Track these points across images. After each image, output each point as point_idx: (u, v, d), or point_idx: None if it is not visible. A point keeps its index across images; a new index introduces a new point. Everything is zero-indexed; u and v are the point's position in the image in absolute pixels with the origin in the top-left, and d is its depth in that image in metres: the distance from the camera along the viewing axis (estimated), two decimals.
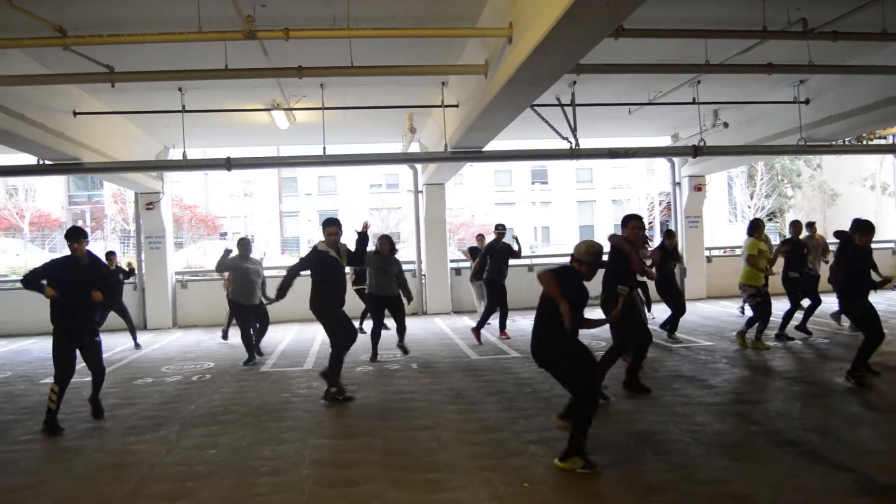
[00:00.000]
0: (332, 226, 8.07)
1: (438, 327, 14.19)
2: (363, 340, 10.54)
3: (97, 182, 44.55)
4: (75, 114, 11.53)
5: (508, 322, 12.25)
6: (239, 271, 10.74)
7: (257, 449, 6.18)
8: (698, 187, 18.12)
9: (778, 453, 5.57)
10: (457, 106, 11.71)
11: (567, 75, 9.01)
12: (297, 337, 13.33)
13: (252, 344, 10.72)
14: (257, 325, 11.18)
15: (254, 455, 6.00)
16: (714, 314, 14.43)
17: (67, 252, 7.19)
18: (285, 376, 9.46)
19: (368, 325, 10.94)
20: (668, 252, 11.07)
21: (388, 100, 12.64)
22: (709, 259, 18.57)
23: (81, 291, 7.02)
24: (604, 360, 7.37)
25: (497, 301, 11.87)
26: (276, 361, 10.70)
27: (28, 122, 10.00)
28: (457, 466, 5.47)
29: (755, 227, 10.31)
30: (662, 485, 4.96)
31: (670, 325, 11.12)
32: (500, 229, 12.40)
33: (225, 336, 13.00)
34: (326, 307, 7.97)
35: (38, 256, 31.67)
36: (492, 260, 12.12)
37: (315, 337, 12.60)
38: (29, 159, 12.25)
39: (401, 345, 10.59)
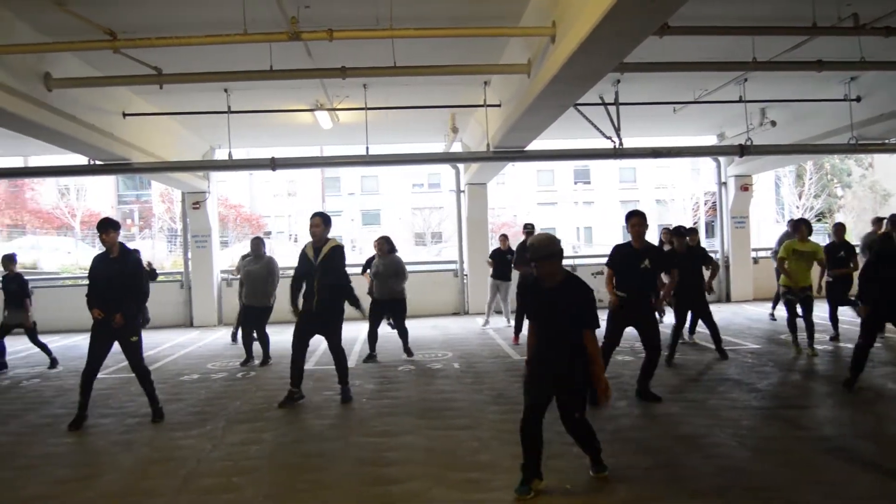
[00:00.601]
0: (314, 217, 7.93)
1: (480, 327, 14.17)
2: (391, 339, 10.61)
3: (145, 182, 45.50)
4: (124, 115, 11.77)
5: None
6: (245, 272, 10.81)
7: (300, 446, 6.25)
8: (745, 187, 17.83)
9: (827, 460, 5.44)
10: (499, 105, 11.68)
11: (611, 74, 8.92)
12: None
13: (251, 344, 10.79)
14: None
15: (297, 452, 6.07)
16: (761, 317, 14.15)
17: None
18: (328, 374, 9.51)
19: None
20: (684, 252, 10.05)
21: (431, 99, 12.67)
22: (755, 260, 18.23)
23: (111, 285, 6.99)
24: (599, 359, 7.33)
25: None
26: (319, 360, 10.77)
27: (79, 124, 10.25)
28: (499, 466, 5.46)
29: (795, 229, 9.99)
30: (709, 489, 4.88)
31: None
32: (529, 228, 12.32)
33: (234, 339, 12.99)
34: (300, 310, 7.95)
35: (89, 254, 32.42)
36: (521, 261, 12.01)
37: (357, 336, 12.66)
38: (80, 160, 12.55)
39: (406, 348, 10.67)
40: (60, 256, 32.30)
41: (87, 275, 7.29)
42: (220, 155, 16.08)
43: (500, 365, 9.82)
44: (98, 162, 12.16)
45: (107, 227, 7.04)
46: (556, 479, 5.13)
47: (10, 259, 11.00)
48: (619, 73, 10.02)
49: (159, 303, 13.13)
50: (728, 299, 17.54)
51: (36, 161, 17.37)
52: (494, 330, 13.57)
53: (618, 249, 7.56)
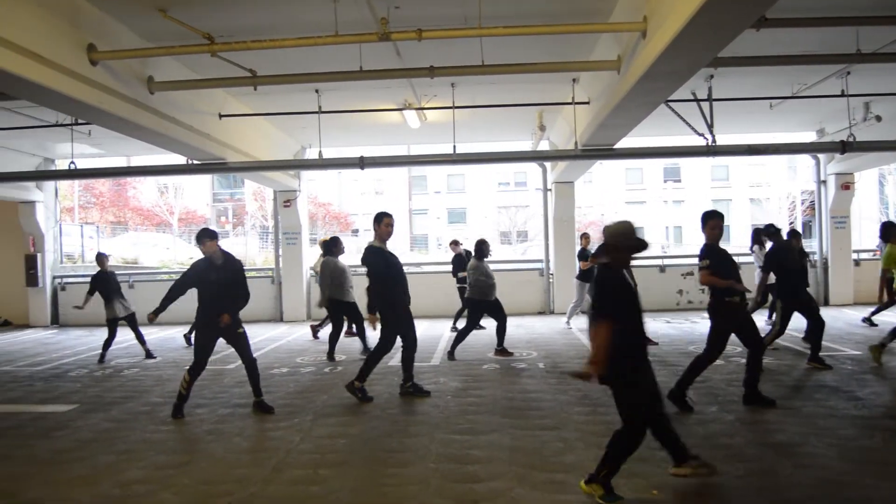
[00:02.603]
0: (389, 216, 7.99)
1: (564, 325, 14.02)
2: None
3: (239, 180, 47.01)
4: (220, 116, 12.17)
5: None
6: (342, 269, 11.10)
7: (385, 441, 6.32)
8: (846, 185, 17.03)
9: None
10: (588, 103, 11.54)
11: (704, 69, 8.69)
12: (424, 333, 13.48)
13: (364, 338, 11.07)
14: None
15: (382, 447, 6.15)
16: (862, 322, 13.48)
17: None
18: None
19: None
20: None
21: (518, 98, 12.61)
22: (857, 262, 17.41)
23: (220, 289, 7.36)
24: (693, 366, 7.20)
25: None
26: None
27: (179, 125, 10.65)
28: (583, 468, 5.38)
29: (888, 231, 9.43)
30: (803, 500, 4.69)
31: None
32: None
33: (316, 335, 13.39)
34: (400, 307, 8.00)
35: (186, 251, 33.75)
36: None
37: (442, 333, 12.74)
38: (179, 159, 13.06)
39: (500, 348, 10.66)
40: (159, 252, 33.70)
41: (186, 278, 7.61)
42: (311, 154, 16.44)
43: None
44: (196, 161, 12.62)
45: (205, 238, 7.41)
46: (642, 484, 5.02)
47: (104, 257, 11.81)
48: (712, 68, 9.76)
49: (251, 298, 13.54)
50: (826, 303, 16.81)
51: (137, 161, 18.20)
52: (580, 330, 13.40)
53: (715, 249, 7.12)
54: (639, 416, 4.70)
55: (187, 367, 7.49)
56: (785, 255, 9.26)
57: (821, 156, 17.24)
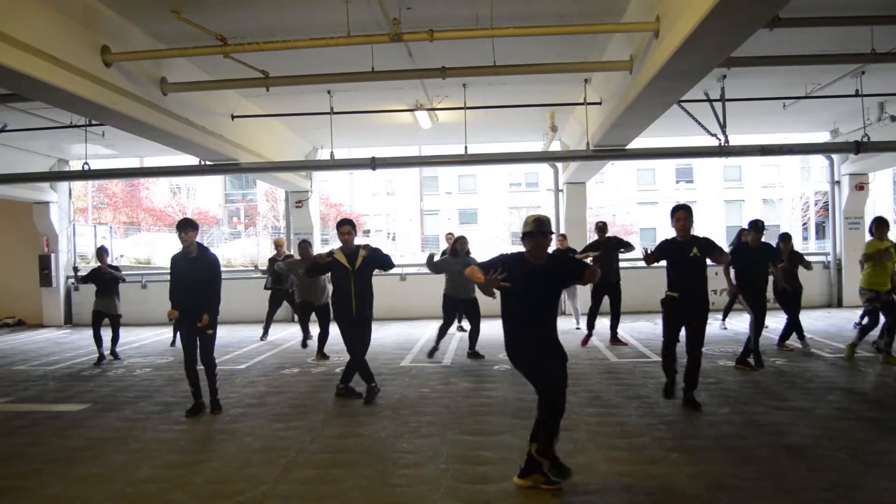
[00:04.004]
0: (343, 225, 7.88)
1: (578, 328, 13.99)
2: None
3: (251, 181, 47.12)
4: (233, 117, 12.21)
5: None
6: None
7: (396, 441, 6.32)
8: (860, 186, 16.92)
9: None
10: (600, 103, 11.51)
11: (716, 69, 8.65)
12: (435, 334, 13.50)
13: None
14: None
15: (393, 447, 6.14)
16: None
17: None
18: (424, 372, 9.63)
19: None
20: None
21: (530, 98, 12.59)
22: None
23: (191, 280, 7.40)
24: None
25: (611, 304, 11.61)
26: (416, 357, 10.91)
27: (192, 126, 10.70)
28: (594, 470, 5.39)
29: (877, 227, 9.32)
30: (815, 503, 4.65)
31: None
32: (601, 226, 12.03)
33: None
34: (337, 314, 7.96)
35: None
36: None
37: (452, 334, 12.72)
38: (192, 160, 13.12)
39: (472, 352, 10.47)
40: (172, 252, 33.80)
41: (169, 273, 7.69)
42: (323, 155, 16.48)
43: (597, 367, 9.67)
44: (208, 162, 12.68)
45: (186, 228, 7.42)
46: (653, 484, 5.01)
47: (104, 251, 11.71)
48: (725, 69, 9.72)
49: (265, 298, 13.61)
50: (840, 304, 16.70)
51: (150, 162, 18.29)
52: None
53: (666, 243, 7.36)
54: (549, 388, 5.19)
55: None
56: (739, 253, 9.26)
57: (835, 156, 17.13)
